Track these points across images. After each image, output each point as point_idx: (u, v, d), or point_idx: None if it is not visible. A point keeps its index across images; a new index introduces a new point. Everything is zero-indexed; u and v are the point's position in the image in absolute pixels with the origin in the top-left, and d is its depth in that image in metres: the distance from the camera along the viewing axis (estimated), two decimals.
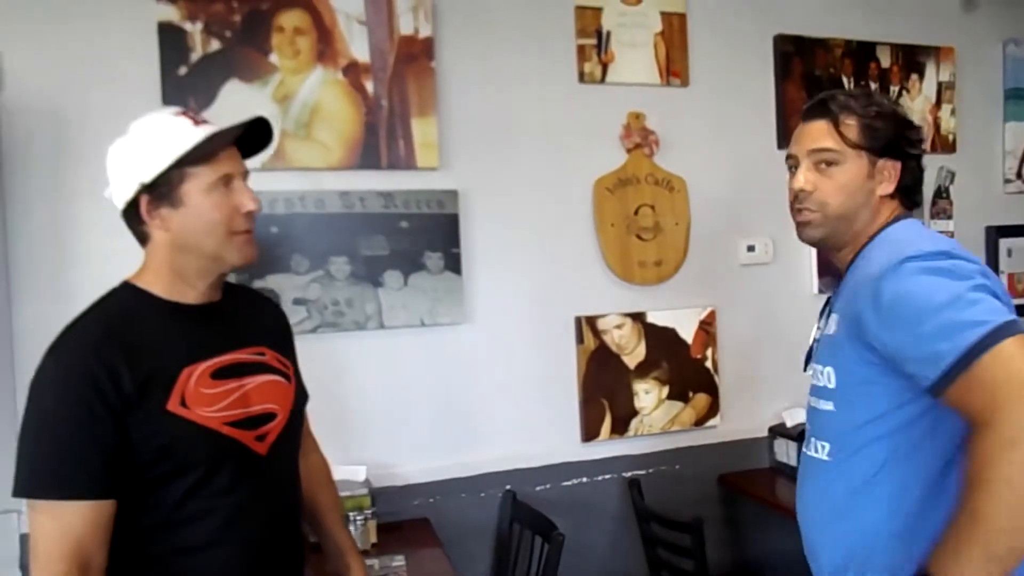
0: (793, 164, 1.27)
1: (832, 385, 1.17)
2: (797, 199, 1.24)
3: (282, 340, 1.29)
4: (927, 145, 2.76)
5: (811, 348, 1.31)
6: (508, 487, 2.24)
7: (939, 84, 2.75)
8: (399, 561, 1.86)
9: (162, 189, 1.08)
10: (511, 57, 2.27)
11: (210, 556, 1.09)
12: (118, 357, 1.03)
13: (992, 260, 2.87)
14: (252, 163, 1.98)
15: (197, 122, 1.11)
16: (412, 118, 2.14)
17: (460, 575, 1.85)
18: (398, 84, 2.13)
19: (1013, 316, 1.02)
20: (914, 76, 2.71)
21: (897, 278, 1.07)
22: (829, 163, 1.21)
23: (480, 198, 2.23)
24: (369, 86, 2.11)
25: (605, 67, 2.34)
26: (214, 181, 1.09)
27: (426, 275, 2.16)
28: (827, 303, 1.31)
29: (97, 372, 1.00)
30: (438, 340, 2.20)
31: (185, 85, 1.97)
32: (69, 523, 0.98)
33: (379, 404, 2.16)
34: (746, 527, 2.48)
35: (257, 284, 2.01)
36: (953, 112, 2.77)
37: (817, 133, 1.23)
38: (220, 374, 1.12)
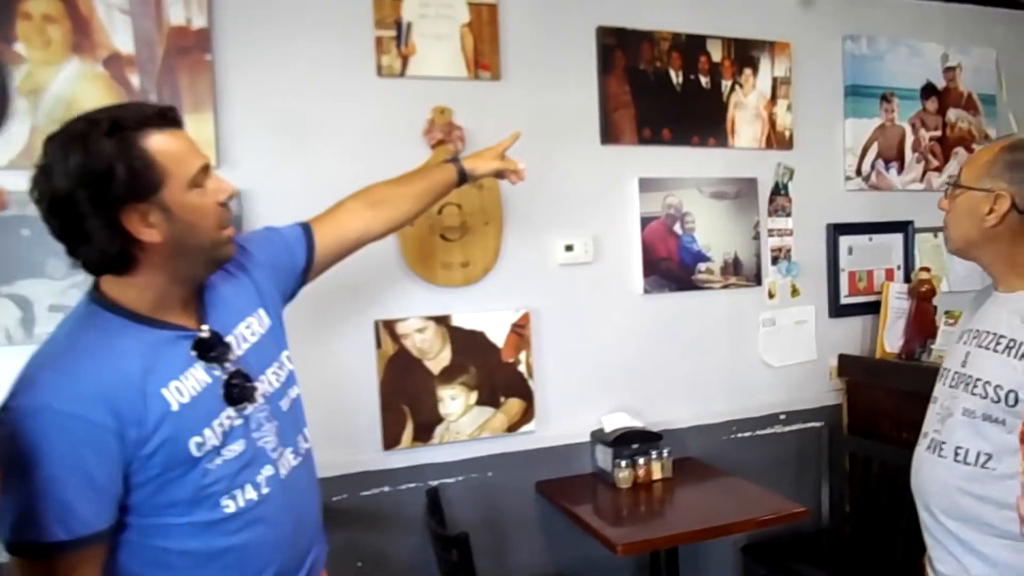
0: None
1: None
2: None
3: None
4: (763, 141, 2.71)
5: None
6: None
7: (774, 79, 2.69)
8: None
9: None
10: (302, 50, 2.15)
11: None
12: None
13: (833, 258, 2.84)
14: None
15: None
16: (185, 114, 1.99)
17: None
18: (168, 78, 2.01)
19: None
20: (747, 71, 2.65)
21: None
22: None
23: (269, 198, 2.12)
24: (135, 80, 1.99)
25: (406, 60, 2.24)
26: None
27: None
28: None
29: None
30: None
31: None
32: None
33: None
34: (561, 532, 2.43)
35: (6, 291, 1.90)
36: (789, 108, 2.72)
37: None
38: None
